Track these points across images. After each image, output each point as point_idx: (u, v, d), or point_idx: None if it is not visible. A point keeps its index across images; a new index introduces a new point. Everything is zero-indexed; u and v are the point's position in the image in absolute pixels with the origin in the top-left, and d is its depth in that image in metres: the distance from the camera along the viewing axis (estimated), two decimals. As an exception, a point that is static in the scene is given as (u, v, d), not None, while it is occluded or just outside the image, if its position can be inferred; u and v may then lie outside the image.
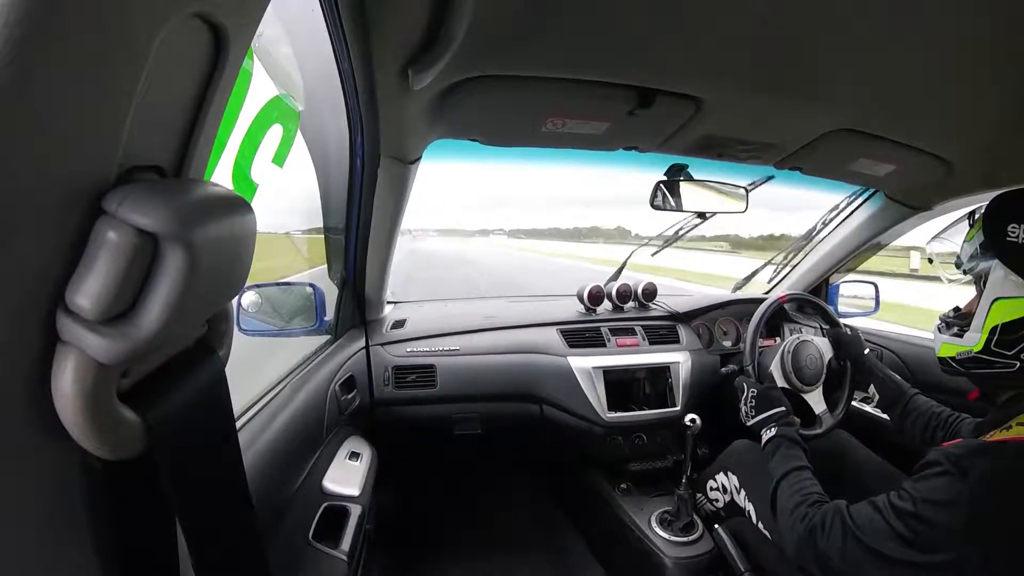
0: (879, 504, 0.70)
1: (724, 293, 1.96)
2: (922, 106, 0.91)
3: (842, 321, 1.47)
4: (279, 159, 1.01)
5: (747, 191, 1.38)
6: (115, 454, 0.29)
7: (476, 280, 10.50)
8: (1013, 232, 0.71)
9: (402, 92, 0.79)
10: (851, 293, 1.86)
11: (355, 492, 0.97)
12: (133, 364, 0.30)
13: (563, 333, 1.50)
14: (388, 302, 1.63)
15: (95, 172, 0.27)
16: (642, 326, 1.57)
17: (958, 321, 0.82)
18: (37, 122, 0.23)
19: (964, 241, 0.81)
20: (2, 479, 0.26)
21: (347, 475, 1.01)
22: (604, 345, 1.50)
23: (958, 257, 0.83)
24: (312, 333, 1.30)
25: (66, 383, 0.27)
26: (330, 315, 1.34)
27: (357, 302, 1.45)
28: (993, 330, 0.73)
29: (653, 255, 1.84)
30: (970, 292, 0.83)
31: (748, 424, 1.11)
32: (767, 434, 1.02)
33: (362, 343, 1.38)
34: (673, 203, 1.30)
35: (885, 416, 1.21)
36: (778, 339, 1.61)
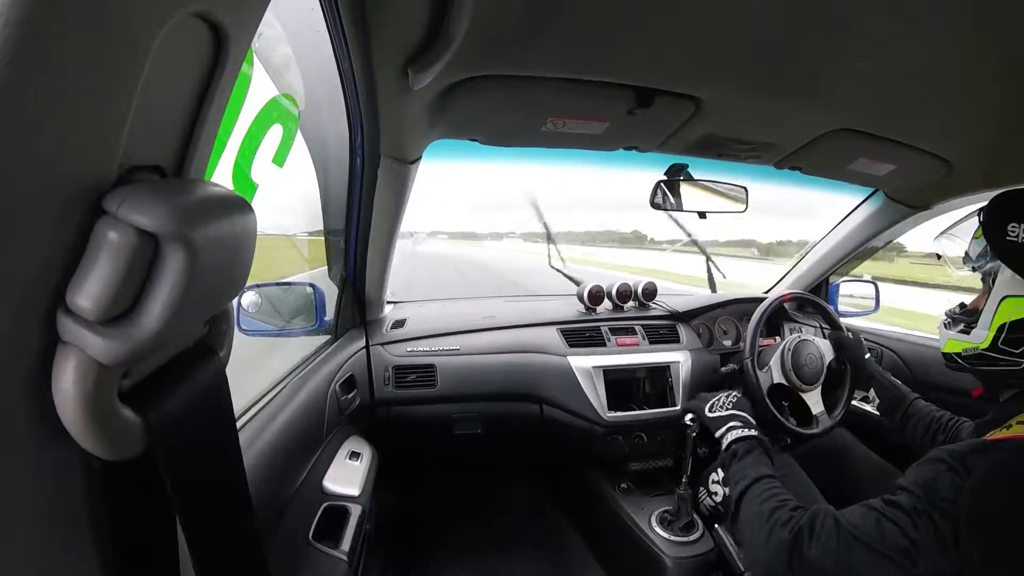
0: (874, 504, 0.67)
1: (724, 293, 1.96)
2: (922, 106, 0.91)
3: (843, 322, 1.47)
4: (279, 159, 1.01)
5: (747, 191, 1.38)
6: (115, 454, 0.29)
7: (494, 284, 10.36)
8: (1013, 232, 0.71)
9: (402, 92, 0.79)
10: (851, 293, 1.86)
11: (355, 492, 0.97)
12: (134, 364, 0.30)
13: (563, 332, 1.50)
14: (388, 302, 1.63)
15: (95, 172, 0.27)
16: (642, 325, 1.57)
17: (965, 317, 0.82)
18: (37, 122, 0.23)
19: (973, 238, 0.81)
20: (2, 479, 0.26)
21: (347, 475, 1.01)
22: (604, 344, 1.50)
23: (967, 254, 0.83)
24: (312, 333, 1.30)
25: (67, 383, 0.27)
26: (330, 315, 1.34)
27: (357, 302, 1.45)
28: (1001, 328, 0.73)
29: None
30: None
31: (708, 418, 1.03)
32: (729, 436, 0.94)
33: (362, 343, 1.38)
34: (673, 203, 1.30)
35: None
36: (778, 338, 1.61)
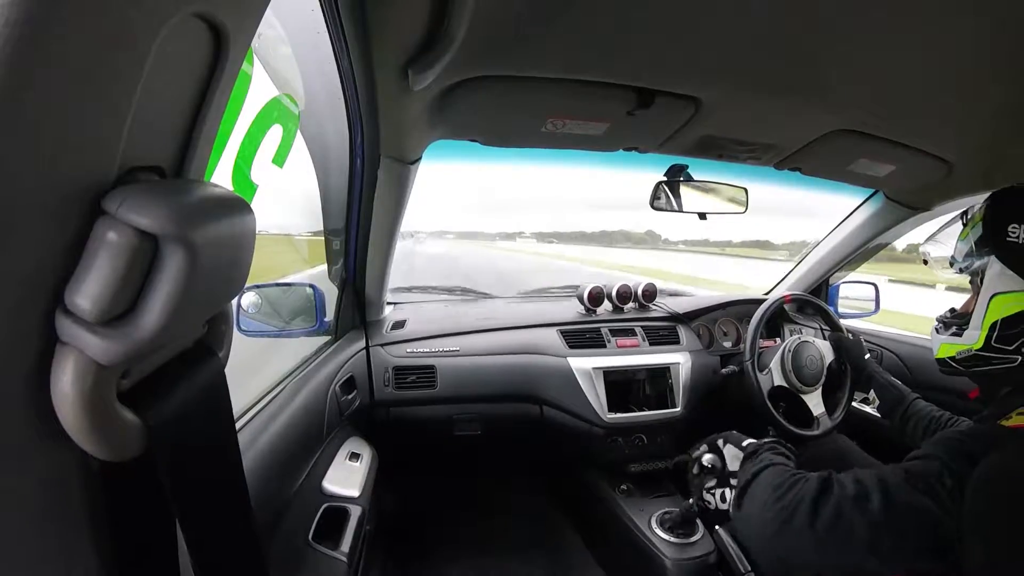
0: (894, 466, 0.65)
1: (724, 294, 1.96)
2: (922, 106, 0.91)
3: (843, 323, 1.47)
4: (279, 160, 1.02)
5: (747, 192, 1.38)
6: (114, 455, 0.29)
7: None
8: (1013, 232, 0.71)
9: (402, 92, 0.79)
10: (851, 294, 1.86)
11: (355, 493, 0.97)
12: (133, 365, 0.30)
13: (563, 334, 1.50)
14: (388, 303, 1.63)
15: (95, 172, 0.27)
16: (642, 327, 1.57)
17: (956, 321, 0.82)
18: (37, 122, 0.23)
19: (958, 240, 0.81)
20: (1, 479, 0.26)
21: (347, 476, 1.01)
22: (604, 346, 1.50)
23: (952, 257, 0.83)
24: (312, 334, 1.30)
25: (65, 384, 0.27)
26: (330, 316, 1.34)
27: (357, 303, 1.45)
28: (993, 326, 0.72)
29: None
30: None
31: (732, 434, 0.94)
32: (757, 441, 0.90)
33: (362, 344, 1.38)
34: (674, 204, 1.30)
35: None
36: (778, 340, 1.61)
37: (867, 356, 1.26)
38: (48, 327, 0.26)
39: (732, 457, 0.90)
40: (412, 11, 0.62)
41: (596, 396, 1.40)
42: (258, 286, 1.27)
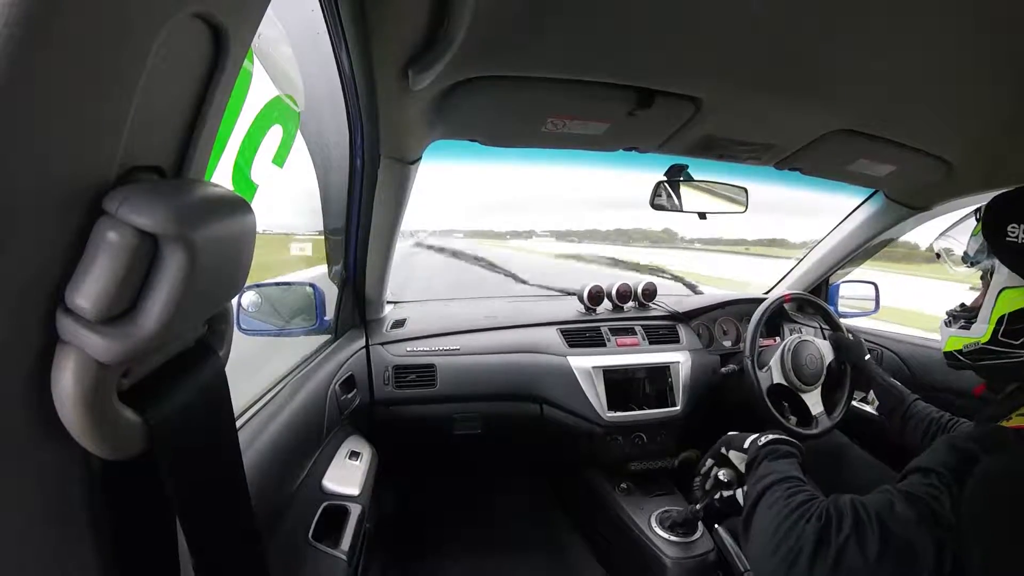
0: (891, 488, 0.63)
1: (724, 293, 1.96)
2: (922, 106, 0.91)
3: (844, 323, 1.47)
4: (279, 160, 1.01)
5: (747, 192, 1.38)
6: (115, 454, 0.29)
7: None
8: (1012, 232, 0.71)
9: (402, 92, 0.79)
10: (851, 294, 1.86)
11: (355, 491, 0.97)
12: (133, 364, 0.30)
13: (563, 333, 1.50)
14: (388, 302, 1.63)
15: (95, 172, 0.27)
16: (642, 326, 1.57)
17: (965, 314, 0.82)
18: (37, 122, 0.23)
19: (971, 236, 0.81)
20: (2, 479, 0.26)
21: (347, 474, 1.01)
22: (604, 345, 1.50)
23: (966, 252, 0.83)
24: (312, 333, 1.30)
25: (66, 383, 0.27)
26: (330, 315, 1.34)
27: (357, 302, 1.45)
28: (1000, 319, 0.73)
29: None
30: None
31: (734, 435, 0.92)
32: (764, 438, 0.86)
33: (362, 343, 1.38)
34: (675, 203, 1.30)
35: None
36: (778, 339, 1.61)
37: (867, 357, 1.26)
38: (48, 326, 0.27)
39: (739, 461, 0.90)
40: (412, 11, 0.62)
41: (596, 395, 1.40)
42: (258, 285, 1.27)
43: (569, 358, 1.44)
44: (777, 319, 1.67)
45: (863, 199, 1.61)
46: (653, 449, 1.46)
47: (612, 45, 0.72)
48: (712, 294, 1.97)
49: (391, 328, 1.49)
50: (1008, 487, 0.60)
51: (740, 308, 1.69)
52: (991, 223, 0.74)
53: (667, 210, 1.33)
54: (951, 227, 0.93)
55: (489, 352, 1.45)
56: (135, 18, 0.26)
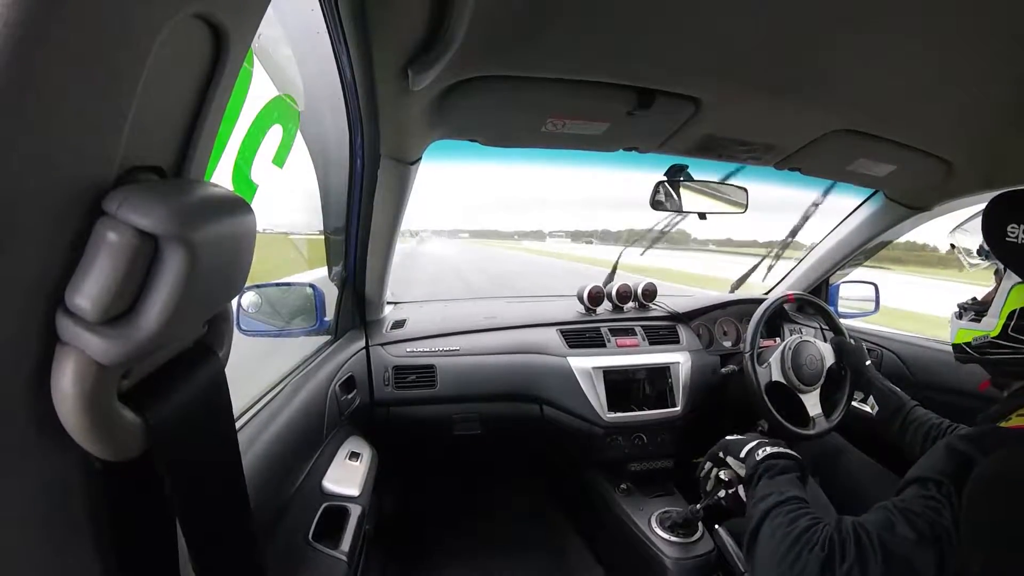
0: (889, 505, 0.63)
1: (724, 294, 1.96)
2: (922, 106, 0.91)
3: (844, 324, 1.46)
4: (279, 160, 1.01)
5: (747, 192, 1.38)
6: (115, 455, 0.29)
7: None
8: (1012, 233, 0.71)
9: (402, 92, 0.79)
10: (851, 294, 1.86)
11: (355, 492, 0.97)
12: (133, 365, 0.30)
13: (563, 333, 1.50)
14: (388, 302, 1.63)
15: (95, 173, 0.27)
16: (642, 326, 1.57)
17: (976, 307, 0.82)
18: (37, 122, 0.23)
19: None
20: (2, 480, 0.26)
21: (347, 475, 1.01)
22: (604, 345, 1.50)
23: (980, 246, 0.83)
24: (312, 333, 1.30)
25: (66, 384, 0.27)
26: (330, 315, 1.34)
27: (357, 302, 1.45)
28: (1011, 315, 0.73)
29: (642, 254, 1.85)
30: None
31: (731, 440, 0.93)
32: (761, 452, 0.86)
33: (362, 343, 1.38)
34: (675, 203, 1.30)
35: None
36: (778, 339, 1.61)
37: (868, 363, 1.26)
38: (48, 327, 0.27)
39: (738, 468, 0.92)
40: (412, 11, 0.62)
41: (596, 395, 1.40)
42: (258, 286, 1.27)
43: (569, 359, 1.44)
44: (777, 320, 1.67)
45: (863, 199, 1.62)
46: (653, 450, 1.46)
47: (612, 45, 0.72)
48: (712, 294, 1.97)
49: (391, 329, 1.49)
50: (1005, 489, 0.60)
51: (740, 308, 1.69)
52: (991, 225, 0.74)
53: (667, 210, 1.33)
54: (966, 220, 0.94)
55: (489, 353, 1.45)
56: (135, 18, 0.26)
